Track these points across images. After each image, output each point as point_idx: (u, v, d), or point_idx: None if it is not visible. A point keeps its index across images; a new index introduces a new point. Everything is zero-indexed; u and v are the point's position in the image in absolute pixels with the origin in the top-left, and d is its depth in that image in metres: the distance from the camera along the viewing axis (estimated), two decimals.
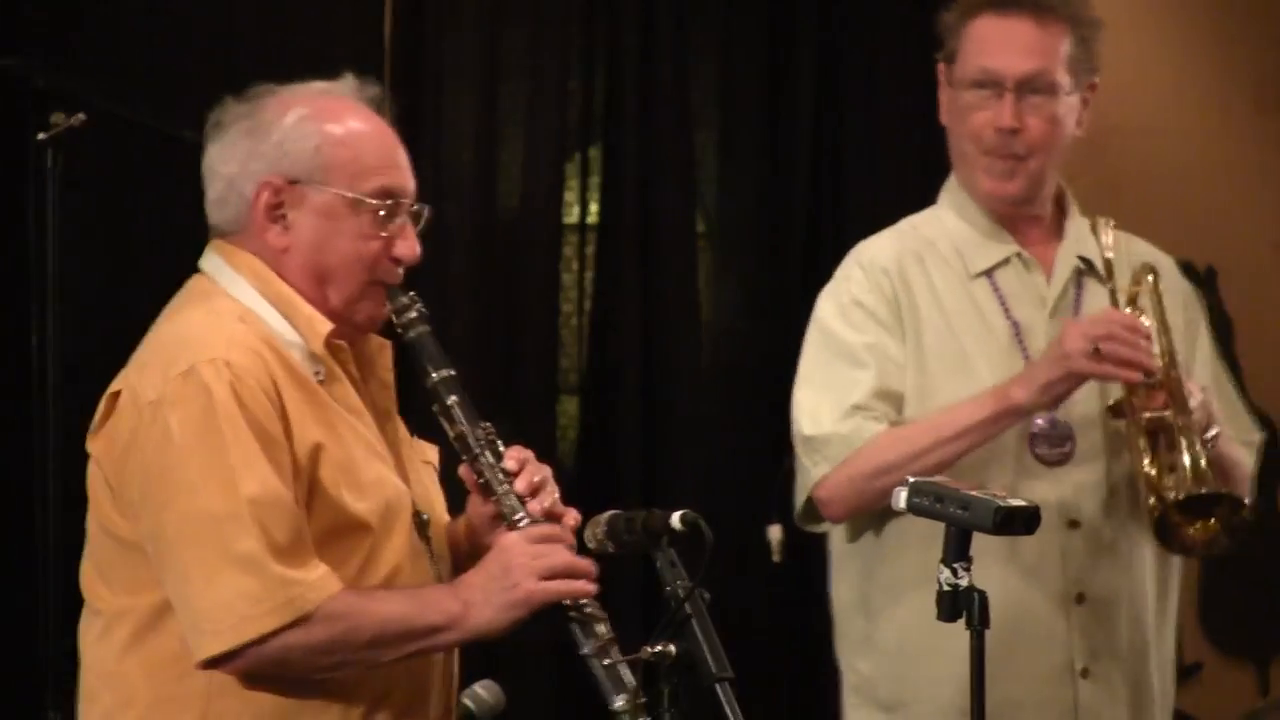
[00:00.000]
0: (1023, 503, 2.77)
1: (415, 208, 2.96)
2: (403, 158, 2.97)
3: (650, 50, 5.45)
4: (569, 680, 5.18)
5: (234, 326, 2.83)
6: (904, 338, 3.58)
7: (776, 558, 5.35)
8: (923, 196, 3.87)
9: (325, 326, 2.89)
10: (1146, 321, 3.52)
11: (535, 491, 2.92)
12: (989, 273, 3.63)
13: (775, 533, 5.33)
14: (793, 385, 3.66)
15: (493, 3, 5.37)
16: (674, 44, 5.49)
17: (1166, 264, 3.72)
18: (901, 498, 2.83)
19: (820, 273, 5.28)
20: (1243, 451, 3.63)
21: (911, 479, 2.84)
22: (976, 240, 3.64)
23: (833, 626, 3.75)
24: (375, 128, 2.95)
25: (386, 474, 2.90)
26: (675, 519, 2.78)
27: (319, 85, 2.97)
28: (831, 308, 3.63)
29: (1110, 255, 3.59)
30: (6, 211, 4.11)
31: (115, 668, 2.83)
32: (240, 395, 2.76)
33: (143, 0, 4.98)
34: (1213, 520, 3.45)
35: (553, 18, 5.41)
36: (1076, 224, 3.63)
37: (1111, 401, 3.52)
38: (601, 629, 2.84)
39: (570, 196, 5.50)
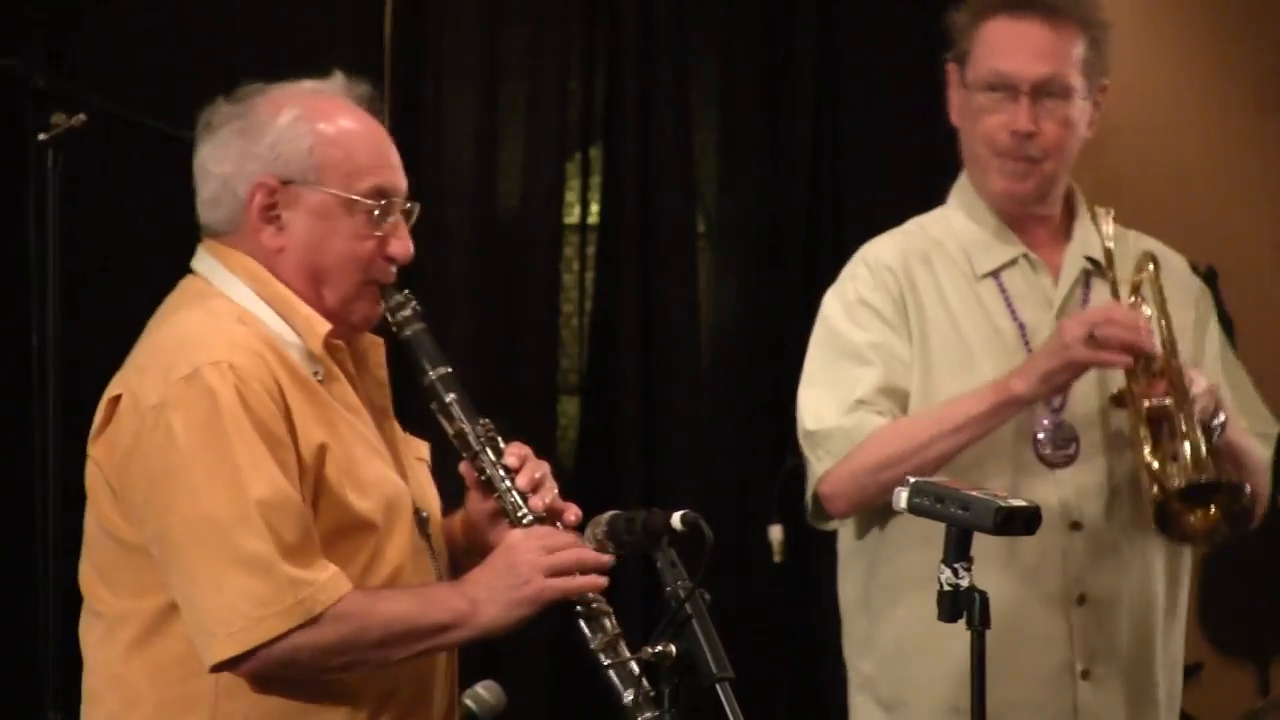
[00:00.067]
0: (1023, 503, 2.77)
1: (407, 206, 2.96)
2: (394, 156, 2.97)
3: (650, 50, 5.45)
4: (569, 680, 5.19)
5: (234, 328, 2.83)
6: (910, 337, 3.58)
7: (776, 558, 5.35)
8: (923, 196, 3.87)
9: (324, 326, 2.89)
10: (1148, 311, 3.52)
11: (536, 488, 2.92)
12: (995, 274, 3.63)
13: (775, 533, 5.33)
14: (793, 385, 3.66)
15: (493, 3, 5.37)
16: (674, 44, 5.49)
17: (1176, 262, 3.72)
18: (902, 498, 2.83)
19: (820, 273, 5.32)
20: (1256, 443, 3.62)
21: (912, 479, 2.84)
22: (983, 241, 3.64)
23: (840, 626, 3.75)
24: (367, 126, 2.95)
25: (387, 472, 2.91)
26: (675, 519, 2.78)
27: (309, 84, 2.97)
28: (837, 307, 3.63)
29: (1110, 245, 3.59)
30: (6, 211, 4.10)
31: (119, 670, 2.83)
32: (245, 398, 2.76)
33: (142, 0, 4.98)
34: (1213, 509, 3.44)
35: (553, 18, 5.41)
36: (1085, 226, 3.63)
37: (1114, 391, 3.52)
38: (609, 624, 2.85)
39: (570, 196, 5.50)
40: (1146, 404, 3.45)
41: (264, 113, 2.90)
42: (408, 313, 2.96)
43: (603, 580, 2.86)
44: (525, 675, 5.12)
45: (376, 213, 2.91)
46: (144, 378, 2.80)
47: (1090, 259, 3.63)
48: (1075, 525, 3.54)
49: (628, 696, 2.77)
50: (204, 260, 2.95)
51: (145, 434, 2.77)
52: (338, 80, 2.98)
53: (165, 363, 2.79)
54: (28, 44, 4.75)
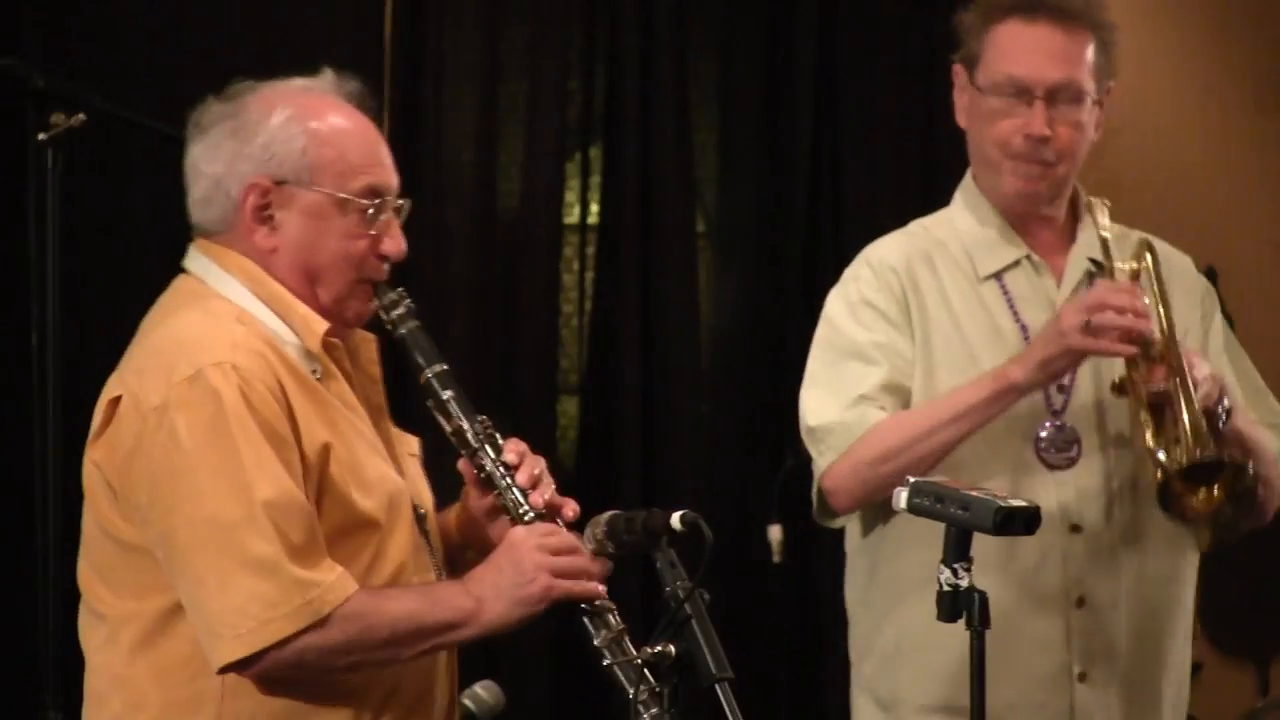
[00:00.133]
0: (1023, 503, 2.77)
1: (399, 203, 2.96)
2: (386, 154, 2.97)
3: (650, 50, 5.45)
4: (569, 680, 5.19)
5: (234, 329, 2.83)
6: (912, 337, 3.58)
7: (776, 558, 5.35)
8: (923, 197, 3.88)
9: (321, 325, 2.89)
10: (1147, 300, 3.51)
11: (535, 484, 2.93)
12: (998, 275, 3.62)
13: (775, 533, 5.33)
14: (793, 385, 3.65)
15: (493, 3, 5.38)
16: (674, 44, 5.49)
17: (1181, 262, 3.72)
18: (901, 498, 2.83)
19: (820, 273, 5.32)
20: (1268, 434, 3.61)
21: (912, 479, 2.84)
22: (987, 242, 3.63)
23: (845, 627, 3.75)
24: (358, 125, 2.95)
25: (387, 470, 2.91)
26: (675, 519, 2.78)
27: (300, 82, 2.97)
28: (841, 306, 3.63)
29: (1107, 235, 3.59)
30: (6, 211, 4.11)
31: (123, 671, 2.83)
32: (249, 398, 2.76)
33: (142, 0, 4.98)
34: (1217, 489, 3.43)
35: (553, 18, 5.41)
36: (1088, 228, 3.63)
37: (1115, 379, 3.51)
38: (612, 620, 2.86)
39: (570, 196, 5.51)
40: (1147, 390, 3.45)
41: (256, 112, 2.90)
42: (402, 310, 2.96)
43: (602, 588, 2.87)
44: (525, 675, 5.12)
45: (370, 211, 2.91)
46: (144, 379, 2.80)
47: (1093, 260, 3.63)
48: (1075, 528, 3.53)
49: (633, 692, 2.77)
50: (197, 260, 2.94)
51: (148, 435, 2.77)
52: (327, 77, 2.98)
53: (166, 364, 2.79)
54: (28, 44, 4.75)
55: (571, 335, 5.51)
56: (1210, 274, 3.97)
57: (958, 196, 3.72)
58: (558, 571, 2.84)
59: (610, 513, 2.88)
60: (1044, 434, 3.55)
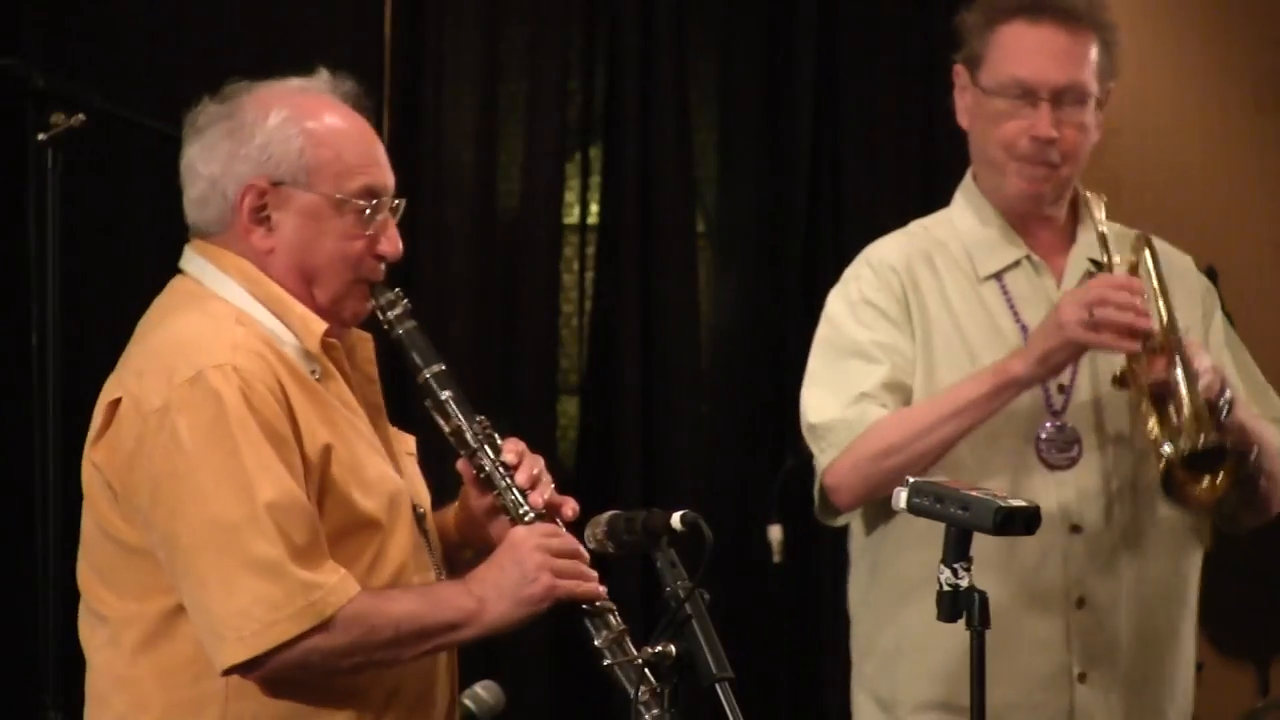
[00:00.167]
0: (1023, 503, 2.77)
1: (395, 203, 2.96)
2: (381, 154, 2.97)
3: (650, 50, 5.45)
4: (569, 680, 5.19)
5: (234, 330, 2.83)
6: (913, 336, 3.58)
7: (776, 558, 5.35)
8: (923, 197, 3.88)
9: (320, 326, 2.89)
10: (1146, 293, 3.51)
11: (534, 484, 2.93)
12: (998, 275, 3.63)
13: (775, 533, 5.33)
14: (793, 385, 3.66)
15: (493, 3, 5.37)
16: (674, 44, 5.49)
17: (1182, 262, 3.72)
18: (901, 498, 2.83)
19: (820, 273, 5.32)
20: (1271, 427, 3.61)
21: (912, 479, 2.84)
22: (987, 242, 3.63)
23: (848, 627, 3.75)
24: (354, 125, 2.95)
25: (387, 470, 2.91)
26: (675, 519, 2.78)
27: (296, 82, 2.97)
28: (842, 306, 3.63)
29: (1104, 229, 3.59)
30: (6, 211, 4.11)
31: (126, 672, 2.82)
32: (250, 400, 2.76)
33: (142, 0, 4.98)
34: (1220, 477, 3.43)
35: (553, 18, 5.41)
36: (1088, 228, 3.63)
37: (1116, 372, 3.51)
38: (613, 621, 2.86)
39: (570, 196, 5.50)
40: (1148, 380, 3.44)
41: (252, 113, 2.90)
42: (399, 311, 2.96)
43: (603, 589, 2.88)
44: (525, 675, 5.12)
45: (366, 212, 2.91)
46: (144, 381, 2.79)
47: (1093, 260, 3.63)
48: (1075, 528, 3.54)
49: (635, 692, 2.77)
50: (194, 260, 2.94)
51: (149, 437, 2.76)
52: (323, 77, 2.98)
53: (166, 366, 2.79)
54: (28, 44, 4.75)
55: (571, 335, 5.51)
56: (1210, 274, 3.97)
57: (958, 196, 3.72)
58: (560, 572, 2.85)
59: (610, 513, 2.88)
60: (1044, 434, 3.55)
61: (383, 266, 2.95)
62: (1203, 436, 3.37)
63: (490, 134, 5.37)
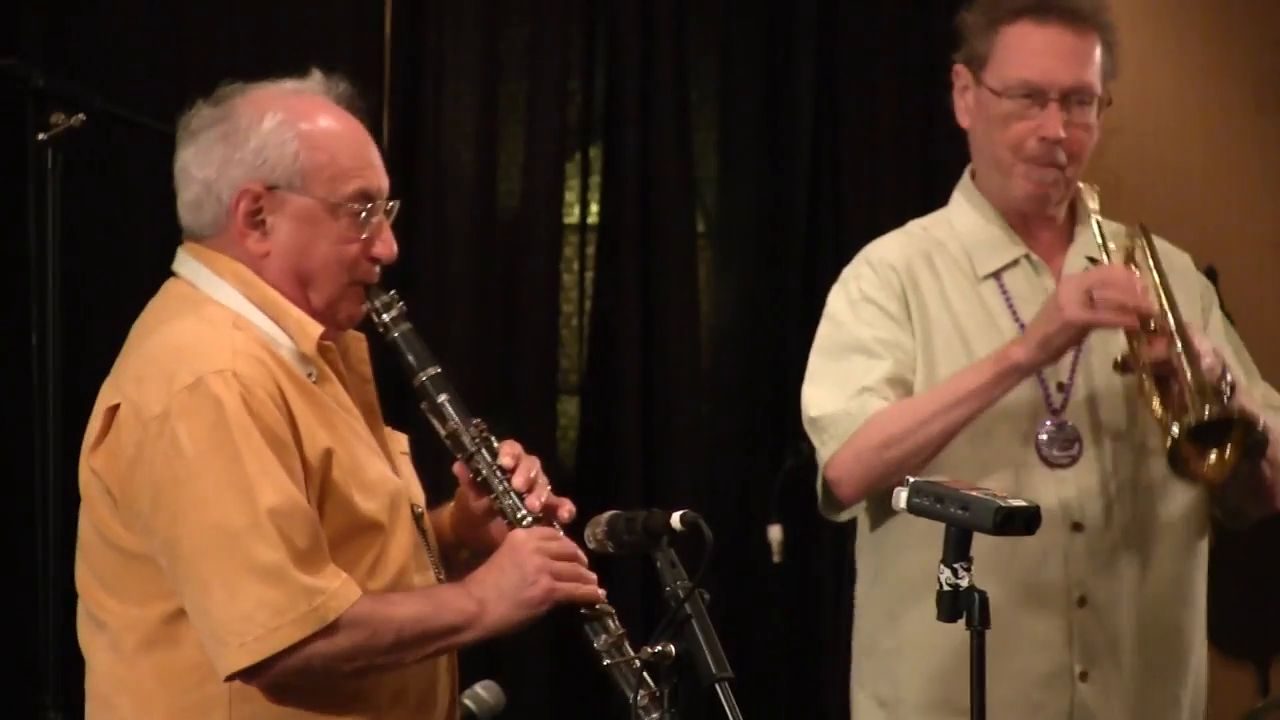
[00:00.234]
0: (1023, 503, 2.77)
1: (389, 206, 2.96)
2: (376, 156, 2.97)
3: (650, 50, 5.45)
4: (569, 680, 5.19)
5: (233, 335, 2.83)
6: (914, 335, 3.58)
7: (776, 558, 5.35)
8: (923, 197, 3.88)
9: (316, 329, 2.89)
10: (1143, 276, 3.51)
11: (532, 487, 2.93)
12: (997, 275, 3.63)
13: (775, 533, 5.33)
14: (793, 384, 3.65)
15: (493, 3, 5.37)
16: (674, 44, 5.49)
17: (1180, 260, 3.72)
18: (901, 498, 2.83)
19: (820, 273, 5.32)
20: (1272, 414, 3.61)
21: (912, 479, 2.84)
22: (986, 242, 3.64)
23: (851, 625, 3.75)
24: (348, 127, 2.95)
25: (386, 471, 2.91)
26: (675, 519, 2.78)
27: (290, 84, 2.97)
28: (843, 304, 3.63)
29: (1099, 219, 3.59)
30: (6, 211, 4.10)
31: (130, 676, 2.82)
32: (250, 405, 2.76)
33: (142, 0, 4.98)
34: (1229, 449, 3.42)
35: (553, 18, 5.41)
36: (1087, 228, 3.63)
37: (1118, 357, 3.50)
38: (612, 624, 2.86)
39: (570, 196, 5.50)
40: (1150, 360, 3.43)
41: (246, 117, 2.90)
42: (394, 313, 2.96)
43: (602, 592, 2.88)
44: (525, 675, 5.12)
45: (361, 216, 2.91)
46: (143, 387, 2.79)
47: (1091, 259, 3.63)
48: (1077, 526, 3.54)
49: (634, 696, 2.77)
50: (187, 263, 2.94)
51: (149, 444, 2.76)
52: (317, 79, 2.98)
53: (166, 372, 2.78)
54: (28, 44, 4.75)
55: (571, 335, 5.51)
56: (1210, 274, 3.97)
57: (956, 196, 3.72)
58: (559, 574, 2.85)
59: (610, 513, 2.88)
60: (1044, 433, 3.55)
61: (377, 269, 2.95)
62: (1208, 408, 3.36)
63: (490, 134, 5.37)
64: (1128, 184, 5.41)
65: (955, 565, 2.75)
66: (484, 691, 3.31)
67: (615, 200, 5.48)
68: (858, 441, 3.50)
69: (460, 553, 3.06)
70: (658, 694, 2.76)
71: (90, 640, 2.89)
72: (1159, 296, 3.47)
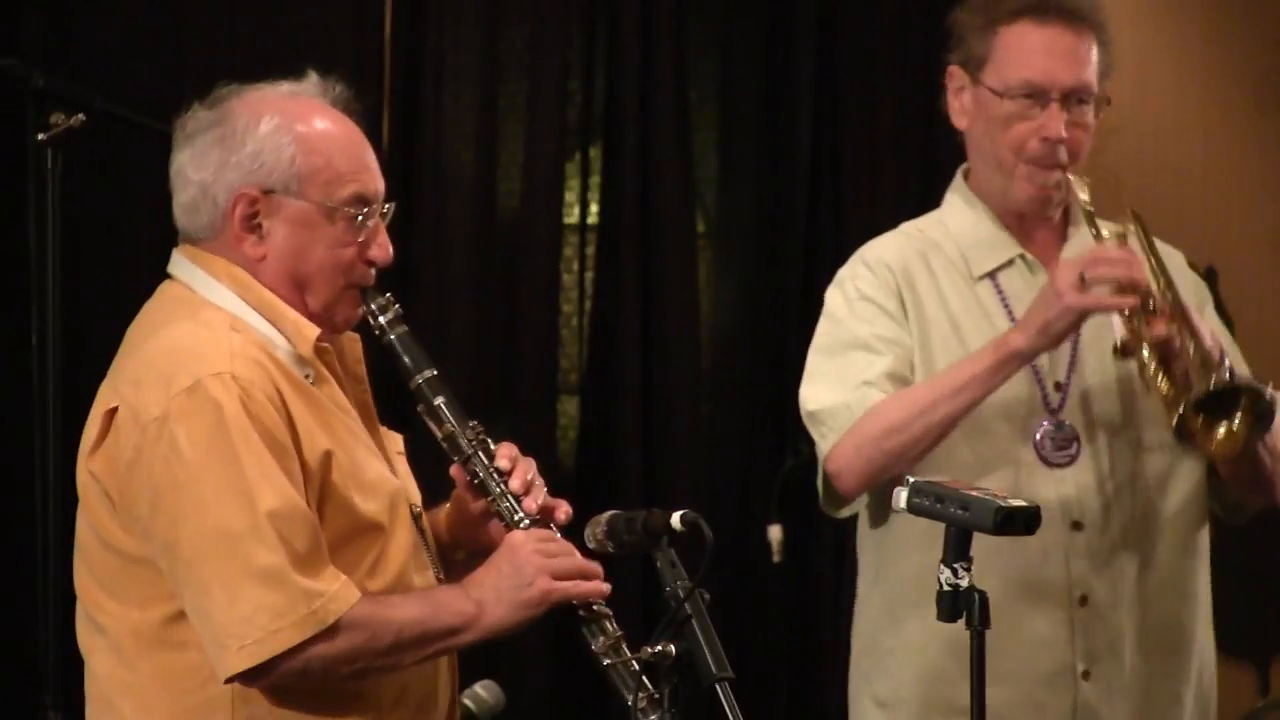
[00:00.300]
0: (1023, 503, 2.77)
1: (385, 209, 2.96)
2: (372, 159, 2.96)
3: (650, 50, 5.45)
4: (568, 680, 5.19)
5: (231, 337, 2.83)
6: (911, 333, 3.58)
7: (776, 558, 5.35)
8: (922, 196, 3.88)
9: (313, 331, 2.89)
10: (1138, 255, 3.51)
11: (528, 489, 2.93)
12: (992, 275, 3.63)
13: (775, 533, 5.33)
14: (793, 384, 3.65)
15: (493, 3, 5.38)
16: (674, 44, 5.49)
17: (1175, 258, 3.72)
18: (901, 498, 2.83)
19: (820, 273, 5.31)
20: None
21: (911, 479, 2.84)
22: (981, 242, 3.64)
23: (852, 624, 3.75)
24: (344, 130, 2.94)
25: (384, 471, 2.91)
26: (675, 519, 2.78)
27: (286, 87, 2.96)
28: (840, 302, 3.63)
29: (1091, 208, 3.58)
30: (6, 211, 4.10)
31: (132, 678, 2.82)
32: (249, 408, 2.76)
33: (142, 0, 4.98)
34: (1237, 418, 3.40)
35: (553, 18, 5.41)
36: (1082, 227, 3.63)
37: (1118, 342, 3.49)
38: (610, 626, 2.86)
39: (570, 196, 5.50)
40: (1151, 341, 3.42)
41: (243, 120, 2.89)
42: (391, 315, 2.96)
43: (606, 587, 2.88)
44: (524, 675, 5.12)
45: (358, 219, 2.91)
46: (141, 390, 2.79)
47: None
48: (1076, 525, 3.54)
49: (632, 699, 2.77)
50: (184, 266, 2.94)
51: (148, 447, 2.76)
52: (313, 81, 2.97)
53: (164, 375, 2.78)
54: (28, 44, 4.75)
55: (571, 335, 5.51)
56: (1210, 274, 3.97)
57: (950, 196, 3.72)
58: (557, 574, 2.85)
59: (610, 513, 2.88)
60: (1042, 432, 3.55)
61: (373, 271, 2.95)
62: (1214, 377, 3.34)
63: (490, 134, 5.37)
64: (1128, 184, 5.42)
65: (955, 565, 2.75)
66: (484, 691, 3.31)
67: (615, 200, 5.48)
68: (858, 432, 3.50)
69: (457, 553, 3.06)
70: (657, 695, 2.75)
71: (90, 642, 2.89)
72: (1156, 276, 3.47)
